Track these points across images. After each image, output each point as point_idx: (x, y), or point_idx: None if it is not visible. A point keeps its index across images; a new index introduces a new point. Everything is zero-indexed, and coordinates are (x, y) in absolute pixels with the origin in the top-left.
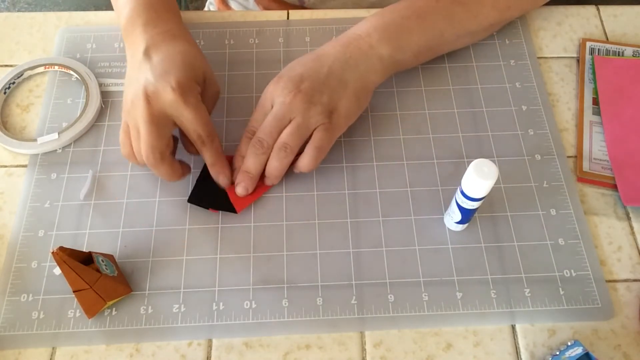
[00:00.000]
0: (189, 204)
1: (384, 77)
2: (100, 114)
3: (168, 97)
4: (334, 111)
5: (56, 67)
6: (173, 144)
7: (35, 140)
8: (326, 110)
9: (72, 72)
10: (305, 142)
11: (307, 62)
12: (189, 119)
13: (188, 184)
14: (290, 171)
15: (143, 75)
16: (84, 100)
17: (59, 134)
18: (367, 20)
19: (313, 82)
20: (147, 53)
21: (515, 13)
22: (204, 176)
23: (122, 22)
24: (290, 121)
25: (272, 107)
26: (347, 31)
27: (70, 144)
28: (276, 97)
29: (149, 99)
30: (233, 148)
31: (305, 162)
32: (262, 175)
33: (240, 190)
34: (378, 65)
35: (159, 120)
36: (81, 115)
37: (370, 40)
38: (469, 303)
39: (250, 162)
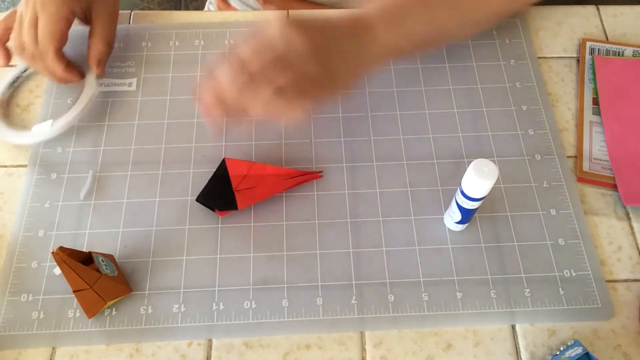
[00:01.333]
0: (189, 203)
1: (382, 64)
2: (100, 114)
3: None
4: (331, 73)
5: None
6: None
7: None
8: (325, 65)
9: None
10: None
11: (315, 21)
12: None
13: (188, 184)
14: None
15: None
16: (81, 86)
17: (53, 120)
18: (374, 3)
19: (323, 34)
20: None
21: (522, 3)
22: (216, 177)
23: None
24: (290, 66)
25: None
26: (356, 13)
27: (71, 144)
28: (279, 26)
29: None
30: (232, 149)
31: (294, 113)
32: (265, 181)
33: (204, 112)
34: (376, 50)
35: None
36: (76, 100)
37: (376, 27)
38: (469, 303)
39: (222, 81)
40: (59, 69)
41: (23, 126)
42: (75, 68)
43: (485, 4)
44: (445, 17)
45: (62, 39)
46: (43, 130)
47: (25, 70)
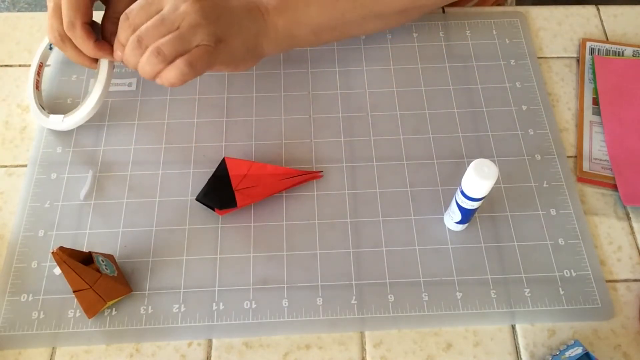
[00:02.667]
0: (189, 203)
1: (278, 48)
2: (100, 114)
3: None
4: (222, 41)
5: None
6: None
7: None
8: (215, 35)
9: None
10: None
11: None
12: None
13: (188, 184)
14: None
15: None
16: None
17: (63, 116)
18: None
19: (215, 4)
20: None
21: (429, 2)
22: (216, 176)
23: None
24: (177, 28)
25: (162, 6)
26: None
27: (71, 144)
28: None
29: None
30: (233, 149)
31: (170, 74)
32: (265, 181)
33: (116, 55)
34: (272, 34)
35: None
36: (89, 94)
37: (267, 8)
38: (469, 303)
39: (128, 57)
40: (89, 45)
41: (23, 126)
42: (107, 44)
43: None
44: (345, 8)
45: (87, 11)
46: (56, 122)
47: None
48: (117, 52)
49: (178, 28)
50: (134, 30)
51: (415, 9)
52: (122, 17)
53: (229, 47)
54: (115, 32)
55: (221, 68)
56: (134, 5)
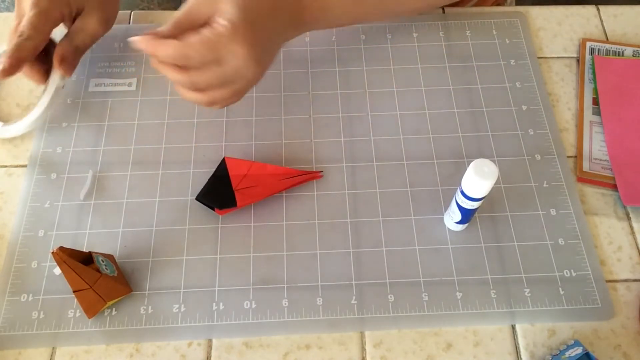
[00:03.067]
0: (188, 203)
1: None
2: (100, 114)
3: None
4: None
5: None
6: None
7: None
8: (258, 82)
9: None
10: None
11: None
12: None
13: (188, 184)
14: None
15: None
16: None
17: (3, 123)
18: None
19: (270, 58)
20: None
21: (441, 1)
22: (216, 176)
23: None
24: (232, 81)
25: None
26: None
27: (71, 144)
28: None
29: None
30: (233, 149)
31: (217, 107)
32: (265, 181)
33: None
34: (296, 34)
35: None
36: (43, 94)
37: (304, 14)
38: (469, 303)
39: (176, 82)
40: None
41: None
42: (42, 72)
43: (407, 3)
44: (367, 11)
45: (43, 36)
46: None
47: None
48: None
49: (233, 82)
50: (184, 60)
51: (426, 8)
52: (180, 51)
53: (266, 68)
54: (71, 56)
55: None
56: (193, 42)
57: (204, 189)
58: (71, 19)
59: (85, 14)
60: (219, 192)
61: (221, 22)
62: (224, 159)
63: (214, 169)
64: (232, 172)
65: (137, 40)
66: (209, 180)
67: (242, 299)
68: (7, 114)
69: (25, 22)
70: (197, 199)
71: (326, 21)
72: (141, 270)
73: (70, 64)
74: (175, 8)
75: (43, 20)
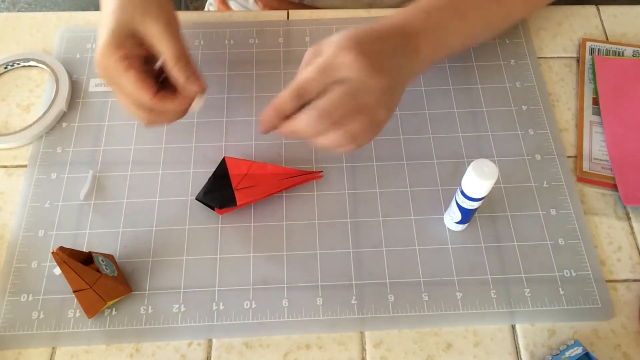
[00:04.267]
0: (188, 203)
1: (415, 80)
2: (100, 114)
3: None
4: (392, 109)
5: (32, 63)
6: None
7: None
8: (391, 110)
9: (44, 67)
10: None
11: (386, 51)
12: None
13: (188, 184)
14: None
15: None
16: (52, 99)
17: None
18: (416, 16)
19: (391, 75)
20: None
21: (540, 5)
22: (216, 175)
23: None
24: (365, 105)
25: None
26: (403, 24)
27: (71, 144)
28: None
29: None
30: (233, 149)
31: (350, 148)
32: (265, 180)
33: (262, 123)
34: (419, 69)
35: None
36: (44, 114)
37: (419, 43)
38: (469, 303)
39: (306, 126)
40: (168, 105)
41: (23, 127)
42: (169, 93)
43: (513, 12)
44: (478, 26)
45: (147, 87)
46: None
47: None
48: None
49: (365, 105)
50: (304, 97)
51: (525, 17)
52: (297, 89)
53: (393, 112)
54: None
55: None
56: (307, 76)
57: (204, 189)
58: (150, 50)
59: (155, 37)
60: (218, 192)
61: (327, 49)
62: (224, 159)
63: (214, 169)
64: (232, 171)
65: (265, 122)
66: (209, 179)
67: (242, 299)
68: (7, 114)
69: (136, 96)
70: (197, 198)
71: (442, 48)
72: (141, 270)
73: (196, 76)
74: (175, 8)
75: (144, 85)
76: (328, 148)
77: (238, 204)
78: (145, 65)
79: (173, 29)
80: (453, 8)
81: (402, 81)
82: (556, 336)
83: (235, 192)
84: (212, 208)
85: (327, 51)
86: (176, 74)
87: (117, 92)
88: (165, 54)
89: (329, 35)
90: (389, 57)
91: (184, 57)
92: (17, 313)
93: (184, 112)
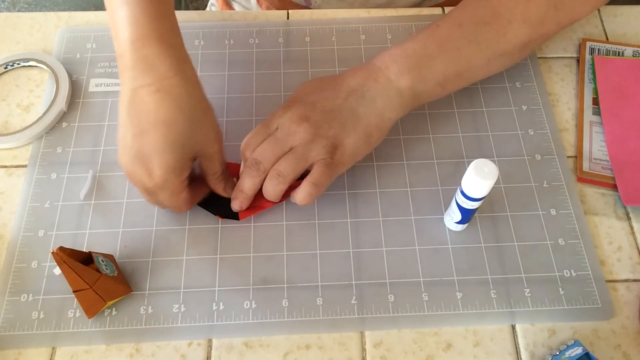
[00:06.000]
0: None
1: (403, 112)
2: (100, 114)
3: (149, 184)
4: (338, 146)
5: (32, 63)
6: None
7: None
8: (330, 144)
9: (44, 67)
10: (305, 172)
11: (324, 89)
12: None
13: None
14: None
15: (132, 144)
16: (52, 99)
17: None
18: (387, 51)
19: (324, 113)
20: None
21: (552, 28)
22: None
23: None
24: (290, 148)
25: (277, 128)
26: (368, 61)
27: (71, 144)
28: (283, 120)
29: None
30: (233, 148)
31: (300, 196)
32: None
33: (235, 205)
34: (396, 100)
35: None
36: (44, 114)
37: (389, 74)
38: (469, 303)
39: (245, 182)
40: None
41: (24, 127)
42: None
43: (509, 32)
44: (470, 53)
45: (192, 204)
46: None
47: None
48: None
49: (291, 148)
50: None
51: (538, 39)
52: (243, 145)
53: (348, 147)
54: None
55: (347, 166)
56: (250, 134)
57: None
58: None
59: (214, 158)
60: (220, 198)
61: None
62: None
63: None
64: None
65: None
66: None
67: (242, 299)
68: (7, 114)
69: (173, 206)
70: (198, 204)
71: (426, 75)
72: (141, 270)
73: (230, 184)
74: (175, 8)
75: (190, 202)
76: (273, 197)
77: (240, 217)
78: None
79: (222, 143)
80: (431, 37)
81: (360, 115)
82: (556, 336)
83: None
84: (215, 214)
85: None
86: (216, 185)
87: (151, 200)
88: (217, 171)
89: (329, 35)
90: (324, 102)
91: (224, 171)
92: (17, 313)
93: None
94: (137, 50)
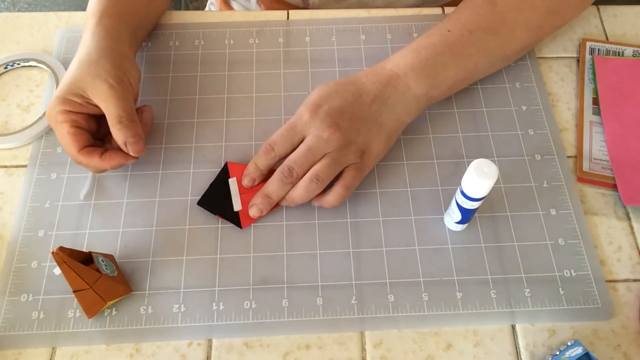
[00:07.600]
0: (189, 204)
1: (417, 115)
2: None
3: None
4: (365, 151)
5: (32, 62)
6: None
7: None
8: (359, 150)
9: (44, 67)
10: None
11: (347, 96)
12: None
13: (188, 184)
14: None
15: None
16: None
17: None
18: (403, 56)
19: (352, 120)
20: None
21: (548, 32)
22: (219, 181)
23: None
24: (324, 155)
25: (303, 135)
26: (383, 65)
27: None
28: (313, 128)
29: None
30: (233, 149)
31: (331, 199)
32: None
33: (254, 211)
34: (413, 105)
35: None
36: (44, 114)
37: (407, 81)
38: (469, 303)
39: (274, 188)
40: (97, 164)
41: (24, 127)
42: (114, 152)
43: (513, 39)
44: (477, 60)
45: (74, 141)
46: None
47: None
48: (249, 177)
49: (325, 154)
50: (278, 159)
51: (534, 43)
52: (266, 147)
53: (373, 151)
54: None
55: (371, 169)
56: (275, 137)
57: (206, 194)
58: (94, 109)
59: (99, 98)
60: (221, 198)
61: (299, 110)
62: (226, 164)
63: (214, 169)
64: (236, 178)
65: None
66: (211, 185)
67: (242, 299)
68: (7, 114)
69: (65, 148)
70: (199, 203)
71: (440, 82)
72: (141, 270)
73: (135, 139)
74: (175, 8)
75: (72, 139)
76: (304, 199)
77: (243, 225)
78: (90, 123)
79: (121, 89)
80: (444, 43)
81: (383, 121)
82: (556, 336)
83: (240, 215)
84: (215, 214)
85: (297, 112)
86: (115, 134)
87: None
88: (107, 115)
89: (329, 35)
90: (350, 108)
91: (127, 119)
92: (17, 313)
93: (115, 167)
94: (86, 20)
